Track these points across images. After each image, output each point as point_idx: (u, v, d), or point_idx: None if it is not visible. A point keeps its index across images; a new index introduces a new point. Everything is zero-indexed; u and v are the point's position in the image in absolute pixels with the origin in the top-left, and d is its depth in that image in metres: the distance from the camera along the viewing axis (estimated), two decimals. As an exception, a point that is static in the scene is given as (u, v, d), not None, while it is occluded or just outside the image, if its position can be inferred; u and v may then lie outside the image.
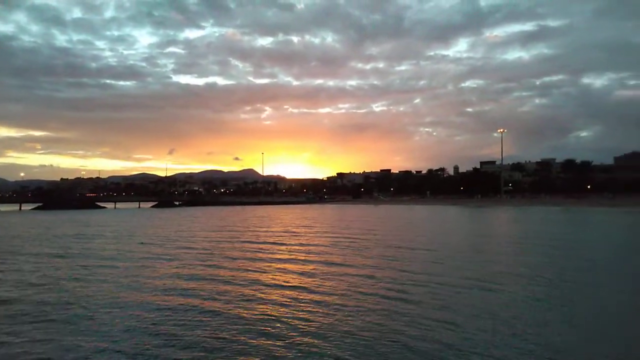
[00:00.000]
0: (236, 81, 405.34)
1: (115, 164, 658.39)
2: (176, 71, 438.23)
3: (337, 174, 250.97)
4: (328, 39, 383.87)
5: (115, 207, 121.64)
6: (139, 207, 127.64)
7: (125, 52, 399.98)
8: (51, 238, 32.84)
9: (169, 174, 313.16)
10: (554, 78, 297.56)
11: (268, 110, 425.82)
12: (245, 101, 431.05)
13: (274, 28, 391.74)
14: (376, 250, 23.49)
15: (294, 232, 36.53)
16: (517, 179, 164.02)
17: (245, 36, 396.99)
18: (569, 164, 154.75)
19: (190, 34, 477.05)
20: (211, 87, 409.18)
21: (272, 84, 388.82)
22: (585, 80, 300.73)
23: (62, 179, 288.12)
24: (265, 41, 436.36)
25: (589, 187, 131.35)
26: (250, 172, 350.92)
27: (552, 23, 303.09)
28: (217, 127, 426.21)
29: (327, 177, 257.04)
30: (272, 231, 38.14)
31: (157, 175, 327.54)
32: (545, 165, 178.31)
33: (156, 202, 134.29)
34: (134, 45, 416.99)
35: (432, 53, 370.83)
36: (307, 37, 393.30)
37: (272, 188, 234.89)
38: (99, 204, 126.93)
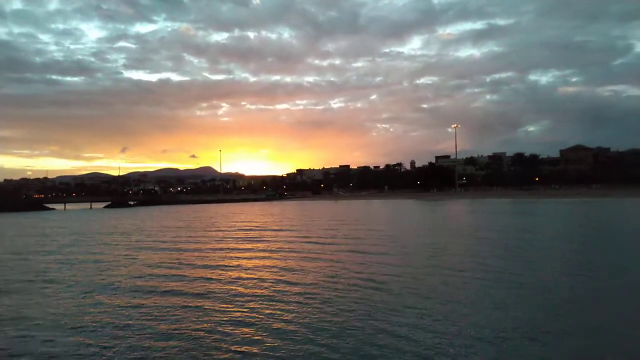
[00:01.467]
0: (191, 77, 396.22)
1: (64, 163, 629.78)
2: (127, 67, 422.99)
3: (297, 170, 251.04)
4: (285, 35, 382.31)
5: (65, 209, 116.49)
6: (91, 207, 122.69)
7: (72, 47, 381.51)
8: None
9: (121, 173, 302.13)
10: (504, 75, 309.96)
11: (225, 107, 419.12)
12: (201, 97, 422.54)
13: (230, 23, 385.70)
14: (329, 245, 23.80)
15: (262, 228, 36.30)
16: (470, 173, 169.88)
17: (199, 31, 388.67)
18: (519, 157, 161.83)
19: (142, 28, 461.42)
20: (165, 83, 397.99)
21: (229, 80, 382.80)
22: (532, 77, 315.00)
23: (5, 180, 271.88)
24: (220, 37, 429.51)
25: (537, 179, 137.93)
26: (208, 169, 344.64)
27: (500, 22, 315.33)
28: (172, 124, 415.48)
29: (287, 174, 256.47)
30: (239, 228, 37.72)
31: (109, 175, 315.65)
32: (496, 159, 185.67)
33: (109, 203, 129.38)
34: (82, 40, 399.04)
35: (387, 50, 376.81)
36: (263, 32, 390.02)
37: (231, 185, 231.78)
38: (47, 205, 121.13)
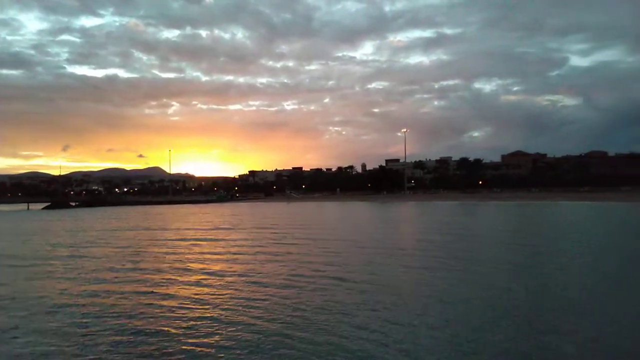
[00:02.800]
0: (140, 74, 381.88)
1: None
2: (71, 61, 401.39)
3: (249, 171, 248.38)
4: (238, 34, 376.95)
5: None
6: (28, 208, 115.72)
7: (9, 38, 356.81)
8: None
9: (63, 173, 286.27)
10: (451, 82, 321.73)
11: (175, 106, 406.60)
12: (150, 96, 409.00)
13: (181, 21, 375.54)
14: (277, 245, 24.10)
15: (209, 229, 35.86)
16: (419, 176, 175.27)
17: (149, 27, 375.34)
18: (464, 161, 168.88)
19: (87, 21, 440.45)
20: (112, 79, 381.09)
21: (180, 78, 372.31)
22: (477, 85, 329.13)
23: None
24: (171, 34, 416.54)
25: (480, 182, 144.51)
26: (156, 170, 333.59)
27: (448, 31, 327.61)
28: (119, 122, 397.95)
29: (239, 175, 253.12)
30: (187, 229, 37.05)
31: (49, 174, 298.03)
32: (443, 162, 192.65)
33: (49, 203, 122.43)
34: (20, 31, 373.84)
35: (340, 54, 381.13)
36: (216, 31, 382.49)
37: (181, 187, 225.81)
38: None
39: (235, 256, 20.89)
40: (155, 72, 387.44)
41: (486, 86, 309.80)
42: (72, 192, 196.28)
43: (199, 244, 26.53)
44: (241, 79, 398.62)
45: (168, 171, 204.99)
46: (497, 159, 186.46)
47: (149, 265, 18.59)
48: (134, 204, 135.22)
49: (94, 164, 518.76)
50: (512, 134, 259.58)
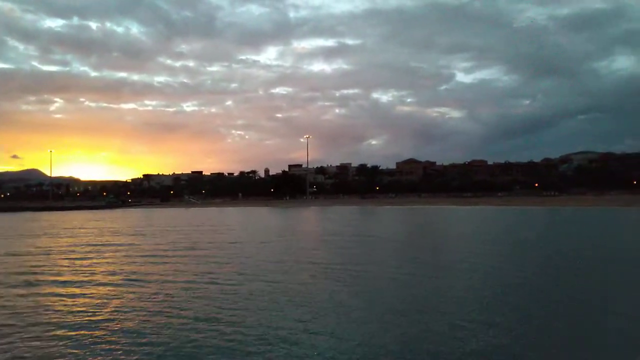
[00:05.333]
0: (15, 65, 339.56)
1: None
2: None
3: (144, 175, 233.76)
4: (133, 29, 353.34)
5: None
6: None
7: None
8: None
9: None
10: (351, 91, 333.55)
11: (59, 102, 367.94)
12: (29, 90, 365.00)
13: (66, 10, 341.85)
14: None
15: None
16: (320, 181, 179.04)
17: (27, 14, 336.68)
18: (362, 168, 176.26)
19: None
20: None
21: (64, 72, 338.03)
22: (375, 95, 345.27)
23: None
24: (54, 23, 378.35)
25: (377, 188, 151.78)
26: (34, 172, 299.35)
27: (349, 42, 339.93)
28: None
29: (132, 179, 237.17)
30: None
31: None
32: (343, 169, 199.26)
33: None
34: None
35: (243, 57, 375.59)
36: (108, 24, 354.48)
37: (63, 191, 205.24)
38: None
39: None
40: (35, 63, 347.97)
41: (383, 96, 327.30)
42: None
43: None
44: (136, 77, 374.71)
45: (49, 174, 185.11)
46: (392, 165, 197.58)
47: None
48: (4, 210, 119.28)
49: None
50: (405, 143, 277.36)
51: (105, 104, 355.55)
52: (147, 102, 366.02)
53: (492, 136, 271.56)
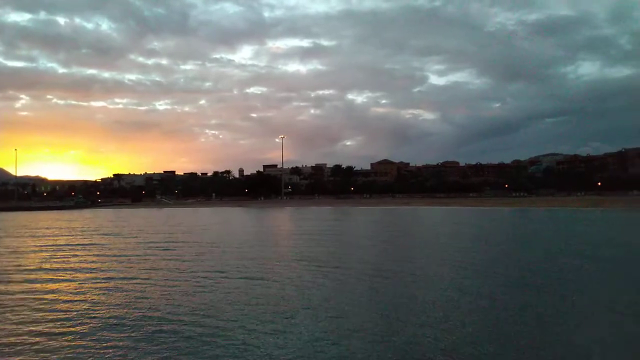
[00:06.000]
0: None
1: None
2: None
3: (114, 175, 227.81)
4: (103, 25, 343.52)
5: None
6: None
7: None
8: None
9: None
10: (326, 92, 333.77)
11: (25, 99, 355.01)
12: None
13: (33, 4, 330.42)
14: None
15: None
16: (295, 182, 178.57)
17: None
18: (337, 168, 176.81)
19: None
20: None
21: (31, 68, 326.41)
22: (350, 96, 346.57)
23: None
24: (20, 17, 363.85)
25: (352, 188, 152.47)
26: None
27: (325, 43, 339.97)
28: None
29: (102, 179, 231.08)
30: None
31: None
32: (318, 169, 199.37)
33: None
34: None
35: (217, 56, 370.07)
36: (77, 20, 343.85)
37: (30, 191, 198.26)
38: None
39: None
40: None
41: (358, 98, 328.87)
42: None
43: None
44: (106, 74, 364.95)
45: (14, 173, 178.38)
46: (367, 166, 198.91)
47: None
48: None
49: None
50: (380, 144, 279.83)
51: (74, 102, 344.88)
52: (117, 100, 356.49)
53: (464, 138, 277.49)
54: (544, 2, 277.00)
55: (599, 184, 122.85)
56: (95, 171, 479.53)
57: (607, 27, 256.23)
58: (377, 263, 19.14)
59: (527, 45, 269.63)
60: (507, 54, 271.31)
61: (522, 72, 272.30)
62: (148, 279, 16.41)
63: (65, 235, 37.35)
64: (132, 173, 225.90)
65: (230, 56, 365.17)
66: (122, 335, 9.75)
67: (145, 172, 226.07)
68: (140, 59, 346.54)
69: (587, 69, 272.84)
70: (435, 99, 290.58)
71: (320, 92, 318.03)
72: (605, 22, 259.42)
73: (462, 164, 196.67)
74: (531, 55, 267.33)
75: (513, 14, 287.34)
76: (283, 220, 56.13)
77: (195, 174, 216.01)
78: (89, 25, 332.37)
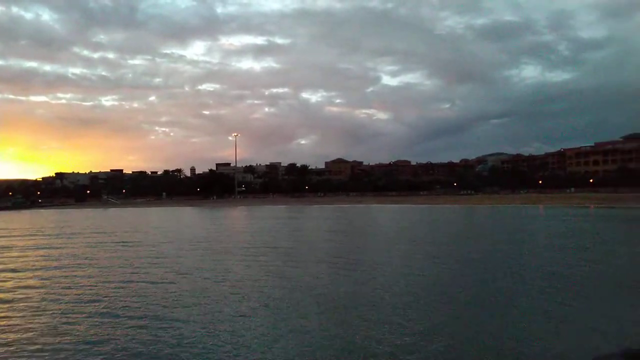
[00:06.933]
0: None
1: None
2: None
3: (56, 173, 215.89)
4: (44, 16, 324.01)
5: None
6: None
7: None
8: None
9: None
10: (280, 90, 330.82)
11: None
12: None
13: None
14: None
15: None
16: (249, 181, 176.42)
17: None
18: (292, 167, 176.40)
19: None
20: None
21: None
22: (304, 95, 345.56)
23: None
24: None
25: (307, 187, 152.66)
26: None
27: (279, 41, 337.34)
28: None
29: (43, 178, 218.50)
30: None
31: None
32: (273, 168, 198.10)
33: None
34: None
35: (168, 51, 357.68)
36: (14, 9, 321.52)
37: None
38: None
39: None
40: None
41: (313, 97, 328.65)
42: None
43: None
44: (48, 67, 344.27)
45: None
46: (321, 165, 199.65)
47: None
48: None
49: None
50: (334, 143, 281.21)
51: (12, 96, 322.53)
52: (60, 95, 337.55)
53: (415, 137, 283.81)
54: (491, 7, 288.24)
55: (540, 182, 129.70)
56: (35, 170, 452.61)
57: (548, 34, 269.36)
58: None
59: (474, 48, 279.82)
60: (457, 57, 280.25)
61: (471, 74, 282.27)
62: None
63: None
64: (76, 172, 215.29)
65: (181, 52, 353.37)
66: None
67: (91, 171, 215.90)
68: (85, 52, 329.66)
69: (530, 72, 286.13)
70: (388, 99, 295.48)
71: (275, 90, 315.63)
72: (545, 28, 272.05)
73: (413, 163, 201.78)
74: (479, 59, 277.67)
75: (461, 18, 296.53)
76: (232, 221, 55.26)
77: (145, 172, 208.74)
78: (28, 15, 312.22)
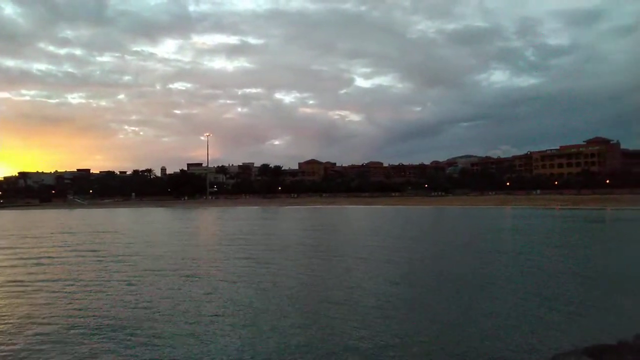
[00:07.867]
0: None
1: None
2: None
3: (19, 173, 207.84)
4: (7, 10, 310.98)
5: None
6: None
7: None
8: None
9: None
10: (253, 90, 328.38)
11: None
12: None
13: None
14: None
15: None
16: (221, 181, 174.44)
17: None
18: (265, 168, 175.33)
19: None
20: None
21: None
22: (278, 95, 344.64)
23: None
24: None
25: (280, 188, 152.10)
26: None
27: (252, 41, 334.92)
28: None
29: (5, 177, 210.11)
30: None
31: None
32: (245, 168, 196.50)
33: None
34: None
35: (138, 49, 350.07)
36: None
37: None
38: None
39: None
40: None
41: (286, 97, 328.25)
42: None
43: None
44: (11, 62, 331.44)
45: None
46: (295, 166, 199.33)
47: None
48: None
49: None
50: (308, 144, 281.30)
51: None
52: (24, 91, 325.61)
53: (388, 139, 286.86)
54: (461, 13, 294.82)
55: (508, 183, 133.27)
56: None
57: (516, 40, 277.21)
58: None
59: (445, 53, 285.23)
60: (428, 61, 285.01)
61: (441, 78, 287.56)
62: None
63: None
64: (40, 171, 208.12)
65: (152, 49, 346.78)
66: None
67: (56, 171, 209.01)
68: (51, 48, 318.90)
69: (498, 77, 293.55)
70: (360, 101, 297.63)
71: (248, 90, 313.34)
72: (514, 34, 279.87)
73: (385, 164, 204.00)
74: (449, 63, 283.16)
75: (433, 23, 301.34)
76: (200, 223, 54.60)
77: (113, 172, 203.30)
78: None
